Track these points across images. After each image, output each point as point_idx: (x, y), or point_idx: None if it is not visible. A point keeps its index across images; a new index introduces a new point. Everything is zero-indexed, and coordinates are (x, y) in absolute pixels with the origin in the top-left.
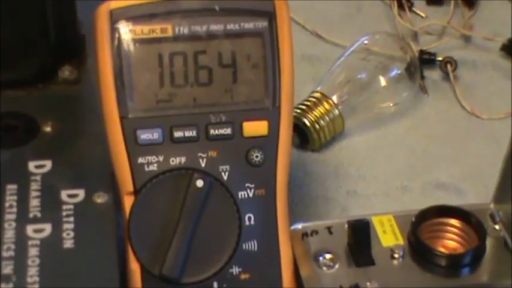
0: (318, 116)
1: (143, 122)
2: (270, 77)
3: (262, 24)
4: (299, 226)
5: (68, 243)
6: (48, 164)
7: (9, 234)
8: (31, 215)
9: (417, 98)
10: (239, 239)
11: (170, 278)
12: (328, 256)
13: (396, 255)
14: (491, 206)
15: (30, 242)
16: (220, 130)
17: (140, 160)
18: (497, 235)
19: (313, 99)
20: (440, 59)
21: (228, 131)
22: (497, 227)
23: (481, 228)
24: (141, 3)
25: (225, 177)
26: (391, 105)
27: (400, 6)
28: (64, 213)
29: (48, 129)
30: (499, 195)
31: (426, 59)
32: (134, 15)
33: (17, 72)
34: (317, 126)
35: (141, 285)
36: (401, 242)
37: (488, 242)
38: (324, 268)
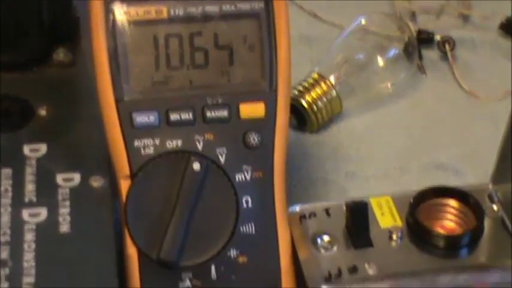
0: (315, 97)
1: (139, 105)
2: (267, 59)
3: (258, 5)
4: (297, 208)
5: (64, 228)
6: (43, 148)
7: (5, 218)
8: (26, 199)
9: (415, 78)
10: (237, 222)
11: (168, 262)
12: (326, 238)
13: (394, 237)
14: (490, 186)
15: (26, 227)
16: (216, 112)
17: (136, 143)
18: (495, 216)
19: (311, 81)
20: (438, 38)
21: (225, 113)
22: (495, 207)
23: (479, 209)
24: None
25: (222, 160)
26: (389, 85)
27: None
28: (60, 198)
29: (43, 112)
30: (497, 175)
31: (424, 39)
32: None
33: (11, 55)
34: (315, 107)
35: (138, 269)
36: (399, 223)
37: (487, 223)
38: (322, 250)
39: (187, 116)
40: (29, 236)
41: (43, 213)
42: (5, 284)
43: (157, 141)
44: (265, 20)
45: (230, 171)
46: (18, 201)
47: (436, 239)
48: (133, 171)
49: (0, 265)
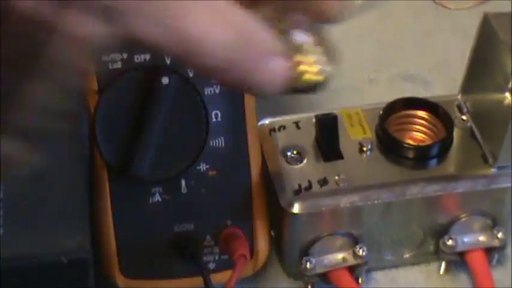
0: None
1: None
2: None
3: None
4: (266, 121)
5: None
6: None
7: None
8: None
9: None
10: (206, 136)
11: (138, 176)
12: (296, 151)
13: (364, 149)
14: (459, 97)
15: None
16: None
17: (104, 58)
18: (464, 126)
19: None
20: None
21: None
22: (464, 117)
23: (448, 120)
24: None
25: (191, 74)
26: None
27: None
28: None
29: None
30: (466, 85)
31: None
32: None
33: None
34: None
35: (108, 184)
36: (369, 135)
37: (456, 133)
38: (292, 163)
39: None
40: None
41: None
42: None
43: (125, 56)
44: None
45: (199, 85)
46: None
47: (405, 150)
48: (101, 87)
49: None
